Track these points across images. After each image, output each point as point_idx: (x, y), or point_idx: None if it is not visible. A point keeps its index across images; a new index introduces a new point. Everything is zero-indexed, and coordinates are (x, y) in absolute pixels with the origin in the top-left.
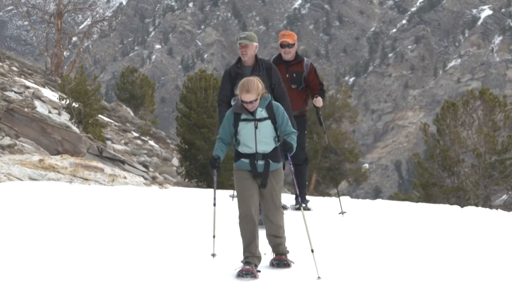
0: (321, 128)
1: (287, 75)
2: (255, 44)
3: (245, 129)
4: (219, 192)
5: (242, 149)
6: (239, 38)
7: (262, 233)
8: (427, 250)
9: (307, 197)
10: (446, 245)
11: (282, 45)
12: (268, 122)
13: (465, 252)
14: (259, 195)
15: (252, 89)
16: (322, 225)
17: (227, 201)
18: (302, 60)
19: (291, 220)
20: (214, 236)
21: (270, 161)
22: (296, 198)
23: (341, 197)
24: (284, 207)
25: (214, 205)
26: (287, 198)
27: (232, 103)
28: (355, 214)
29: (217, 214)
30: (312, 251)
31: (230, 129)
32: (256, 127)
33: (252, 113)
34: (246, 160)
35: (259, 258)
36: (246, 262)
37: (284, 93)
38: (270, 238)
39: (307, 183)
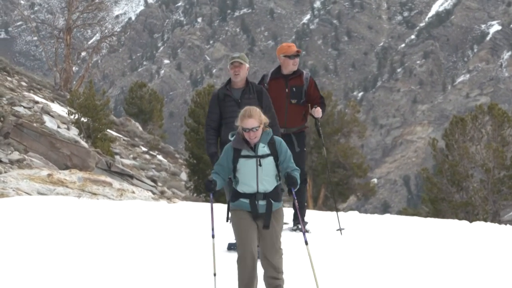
0: (320, 140)
1: (287, 90)
2: (247, 65)
3: (246, 166)
4: (220, 214)
5: (241, 188)
6: (231, 58)
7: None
8: (435, 265)
9: (306, 219)
10: (454, 261)
11: (291, 56)
12: (271, 159)
13: (473, 267)
14: (258, 235)
15: (254, 115)
16: (325, 241)
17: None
18: (302, 73)
19: (295, 250)
20: (215, 274)
21: (272, 201)
22: (295, 220)
23: (349, 212)
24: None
25: (213, 236)
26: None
27: (231, 138)
28: (363, 230)
29: (217, 246)
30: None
31: (229, 165)
32: (259, 165)
33: (254, 149)
34: (246, 200)
35: None
36: None
37: (274, 119)
38: (268, 280)
39: (306, 203)
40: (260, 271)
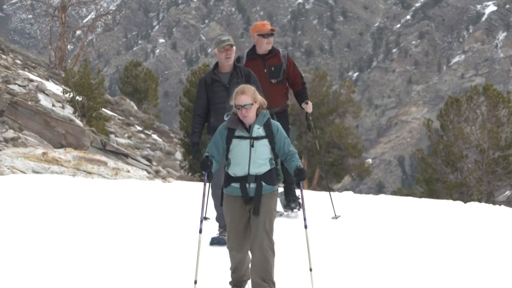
0: (312, 134)
1: (265, 70)
2: (234, 48)
3: (239, 147)
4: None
5: (233, 171)
6: (220, 41)
7: None
8: (429, 246)
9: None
10: (448, 241)
11: (265, 35)
12: (265, 141)
13: (467, 248)
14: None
15: (248, 92)
16: (319, 223)
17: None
18: (278, 52)
19: (291, 231)
20: (195, 282)
21: (264, 184)
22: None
23: (343, 192)
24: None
25: (200, 231)
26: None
27: (226, 118)
28: (357, 210)
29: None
30: (311, 270)
31: (223, 145)
32: (252, 146)
33: (248, 130)
34: (237, 185)
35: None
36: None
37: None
38: (256, 282)
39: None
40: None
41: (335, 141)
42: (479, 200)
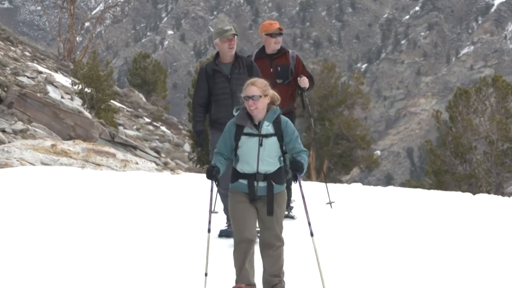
0: (307, 111)
1: (271, 69)
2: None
3: (247, 144)
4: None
5: (241, 167)
6: (223, 31)
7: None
8: (438, 238)
9: (292, 204)
10: (457, 234)
11: (273, 34)
12: (274, 139)
13: (476, 240)
14: (257, 220)
15: (258, 84)
16: (326, 215)
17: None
18: (287, 52)
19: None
20: (206, 274)
21: (274, 183)
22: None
23: (352, 184)
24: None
25: (209, 231)
26: None
27: (235, 113)
28: (366, 202)
29: (212, 242)
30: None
31: (231, 142)
32: (260, 144)
33: (257, 127)
34: (244, 182)
35: (253, 286)
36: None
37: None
38: (267, 278)
39: (291, 186)
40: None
41: (344, 132)
42: (488, 192)
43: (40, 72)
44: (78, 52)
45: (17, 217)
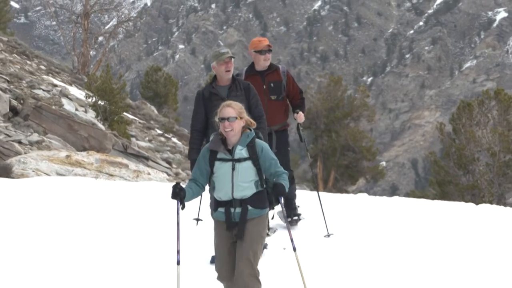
0: (303, 145)
1: (264, 86)
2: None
3: (221, 170)
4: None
5: (217, 194)
6: (219, 53)
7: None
8: (442, 248)
9: (297, 203)
10: (461, 243)
11: (262, 51)
12: (249, 163)
13: (479, 250)
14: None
15: (234, 106)
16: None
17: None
18: (278, 68)
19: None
20: None
21: (250, 207)
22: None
23: (358, 194)
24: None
25: (178, 263)
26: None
27: (211, 139)
28: (371, 212)
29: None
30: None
31: (206, 168)
32: (233, 169)
33: (231, 152)
34: (222, 209)
35: None
36: None
37: (262, 115)
38: None
39: (295, 193)
40: None
41: (350, 144)
42: (491, 202)
43: (55, 85)
44: (92, 66)
45: (31, 225)
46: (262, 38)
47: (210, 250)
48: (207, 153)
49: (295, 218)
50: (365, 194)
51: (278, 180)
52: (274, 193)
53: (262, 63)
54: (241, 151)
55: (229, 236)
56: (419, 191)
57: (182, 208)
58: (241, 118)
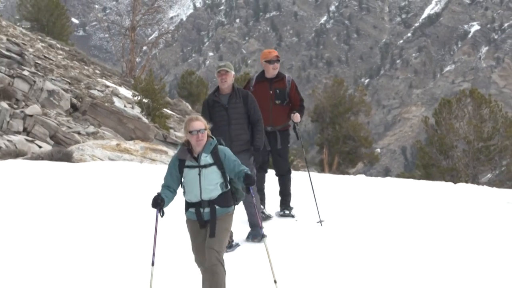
0: (299, 142)
1: (271, 92)
2: (233, 73)
3: (189, 176)
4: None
5: (188, 197)
6: (218, 66)
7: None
8: (425, 220)
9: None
10: (440, 216)
11: (271, 61)
12: (214, 168)
13: (456, 220)
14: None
15: (201, 118)
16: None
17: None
18: (284, 77)
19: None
20: None
21: (217, 207)
22: (281, 205)
23: (357, 175)
24: (269, 216)
25: (153, 264)
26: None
27: (177, 149)
28: (368, 190)
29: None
30: (275, 282)
31: (177, 174)
32: (199, 174)
33: (197, 159)
34: (193, 210)
35: None
36: None
37: (260, 119)
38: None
39: (290, 191)
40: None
41: (351, 134)
42: (466, 182)
43: (108, 86)
44: (137, 70)
45: (87, 200)
46: (271, 50)
47: (185, 253)
48: (176, 161)
49: (287, 212)
50: (363, 175)
51: (244, 170)
52: (245, 184)
53: (271, 71)
54: (206, 158)
55: (201, 234)
56: (407, 173)
57: (162, 216)
58: (205, 128)
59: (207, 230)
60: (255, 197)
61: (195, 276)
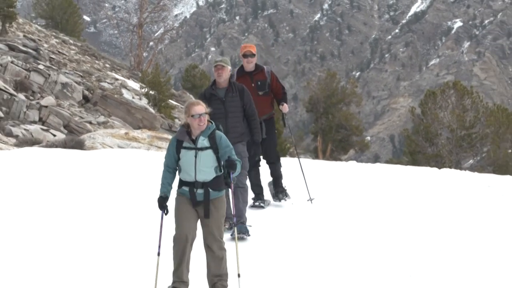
0: (287, 130)
1: (253, 84)
2: (229, 67)
3: (186, 157)
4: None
5: (183, 176)
6: (214, 61)
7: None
8: (411, 200)
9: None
10: (426, 197)
11: (245, 55)
12: (210, 151)
13: (440, 202)
14: (198, 223)
15: (202, 103)
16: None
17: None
18: (263, 69)
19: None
20: None
21: (210, 190)
22: (275, 190)
23: (349, 162)
24: (263, 205)
25: (159, 254)
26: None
27: (178, 129)
28: (359, 175)
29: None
30: (239, 275)
31: (175, 154)
32: (196, 156)
33: (194, 142)
34: (187, 188)
35: (186, 284)
36: (173, 287)
37: (254, 113)
38: (210, 278)
39: (281, 173)
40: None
41: (343, 123)
42: (450, 167)
43: (117, 79)
44: (144, 64)
45: (100, 186)
46: (247, 44)
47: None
48: (175, 142)
49: (283, 198)
50: (354, 162)
51: (231, 156)
52: (226, 167)
53: (246, 65)
54: (203, 141)
55: (192, 211)
56: (395, 159)
57: (166, 214)
58: (206, 112)
59: (198, 211)
60: (235, 189)
61: (199, 265)
